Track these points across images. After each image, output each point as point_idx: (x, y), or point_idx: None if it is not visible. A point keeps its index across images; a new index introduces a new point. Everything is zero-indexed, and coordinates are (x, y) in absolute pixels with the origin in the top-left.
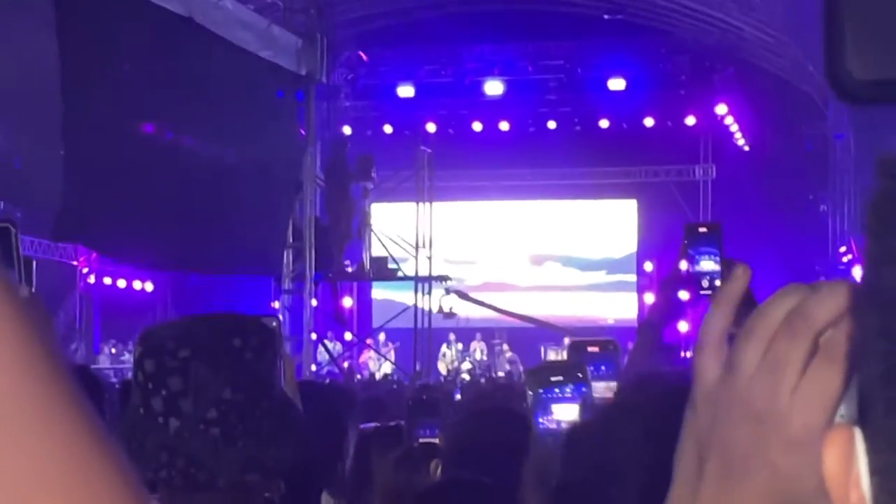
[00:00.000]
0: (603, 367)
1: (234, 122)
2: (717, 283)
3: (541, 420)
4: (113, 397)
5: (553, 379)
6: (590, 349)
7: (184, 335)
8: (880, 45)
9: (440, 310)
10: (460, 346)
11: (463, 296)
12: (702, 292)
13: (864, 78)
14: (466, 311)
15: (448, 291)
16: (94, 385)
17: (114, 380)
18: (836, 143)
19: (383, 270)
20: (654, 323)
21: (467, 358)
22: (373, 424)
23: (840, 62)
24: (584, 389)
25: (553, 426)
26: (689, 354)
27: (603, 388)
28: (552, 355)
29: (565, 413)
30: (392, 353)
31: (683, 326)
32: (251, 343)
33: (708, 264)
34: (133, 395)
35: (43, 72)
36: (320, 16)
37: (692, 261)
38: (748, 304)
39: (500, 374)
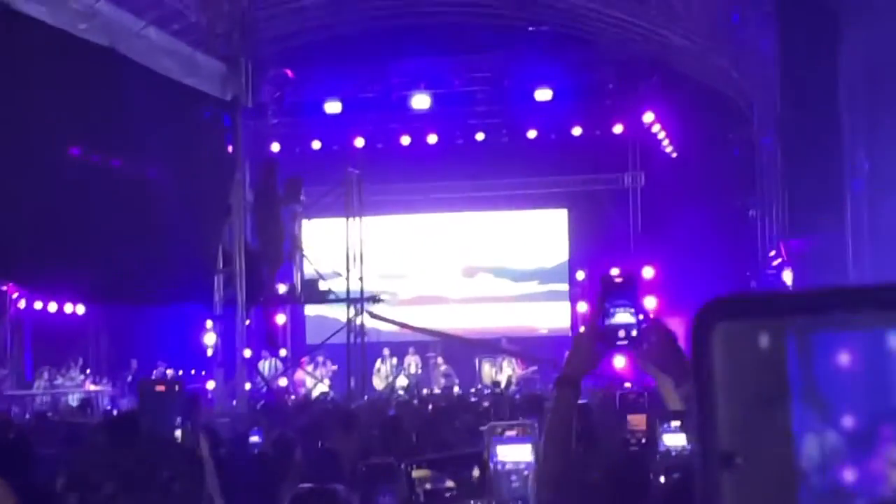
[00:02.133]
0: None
1: (161, 147)
2: (634, 333)
3: None
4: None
5: None
6: (507, 433)
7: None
8: None
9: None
10: (395, 360)
11: (375, 316)
12: (618, 343)
13: None
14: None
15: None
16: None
17: (46, 404)
18: (762, 149)
19: (315, 293)
20: (572, 376)
21: (402, 372)
22: (307, 486)
23: None
24: None
25: None
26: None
27: (521, 451)
28: (487, 367)
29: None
30: (329, 371)
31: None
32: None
33: (624, 317)
34: None
35: None
36: (244, 39)
37: (608, 314)
38: (676, 354)
39: (436, 388)
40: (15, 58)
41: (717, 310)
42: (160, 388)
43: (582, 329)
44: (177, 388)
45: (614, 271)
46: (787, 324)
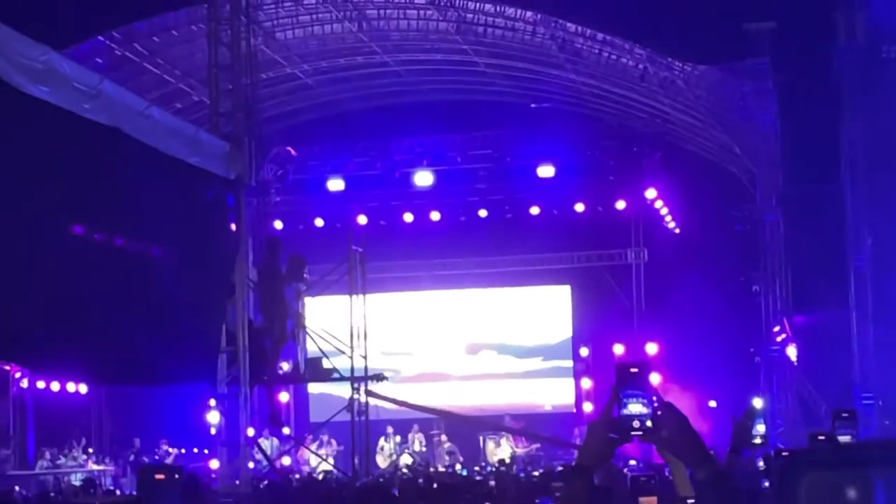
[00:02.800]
0: None
1: (165, 226)
2: (648, 423)
3: None
4: None
5: None
6: None
7: None
8: None
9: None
10: (398, 438)
11: (374, 395)
12: (632, 433)
13: None
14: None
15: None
16: None
17: (49, 484)
18: (765, 224)
19: (318, 371)
20: (587, 466)
21: (406, 450)
22: None
23: None
24: None
25: None
26: None
27: None
28: (491, 445)
29: None
30: (334, 450)
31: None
32: None
33: (636, 407)
34: None
35: None
36: (247, 117)
37: (622, 404)
38: (690, 439)
39: (440, 466)
40: (19, 137)
41: (803, 461)
42: (160, 476)
43: (590, 407)
44: (176, 476)
45: (625, 357)
46: (877, 472)
